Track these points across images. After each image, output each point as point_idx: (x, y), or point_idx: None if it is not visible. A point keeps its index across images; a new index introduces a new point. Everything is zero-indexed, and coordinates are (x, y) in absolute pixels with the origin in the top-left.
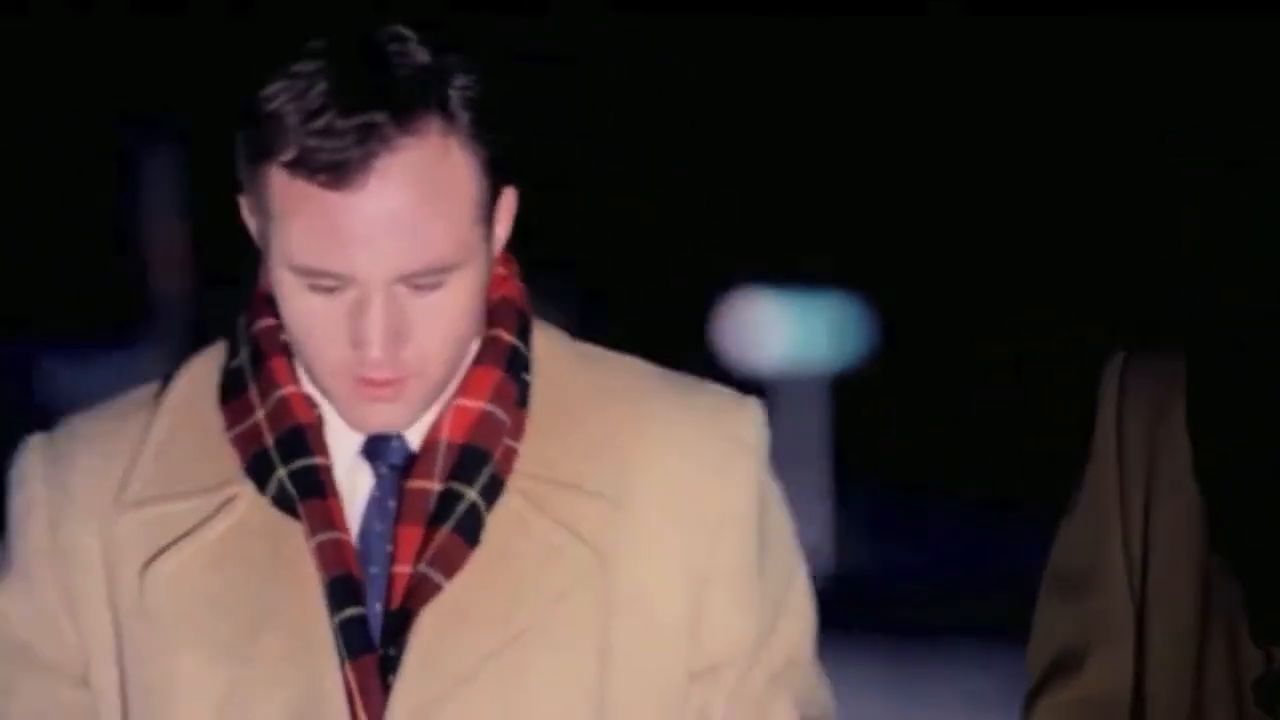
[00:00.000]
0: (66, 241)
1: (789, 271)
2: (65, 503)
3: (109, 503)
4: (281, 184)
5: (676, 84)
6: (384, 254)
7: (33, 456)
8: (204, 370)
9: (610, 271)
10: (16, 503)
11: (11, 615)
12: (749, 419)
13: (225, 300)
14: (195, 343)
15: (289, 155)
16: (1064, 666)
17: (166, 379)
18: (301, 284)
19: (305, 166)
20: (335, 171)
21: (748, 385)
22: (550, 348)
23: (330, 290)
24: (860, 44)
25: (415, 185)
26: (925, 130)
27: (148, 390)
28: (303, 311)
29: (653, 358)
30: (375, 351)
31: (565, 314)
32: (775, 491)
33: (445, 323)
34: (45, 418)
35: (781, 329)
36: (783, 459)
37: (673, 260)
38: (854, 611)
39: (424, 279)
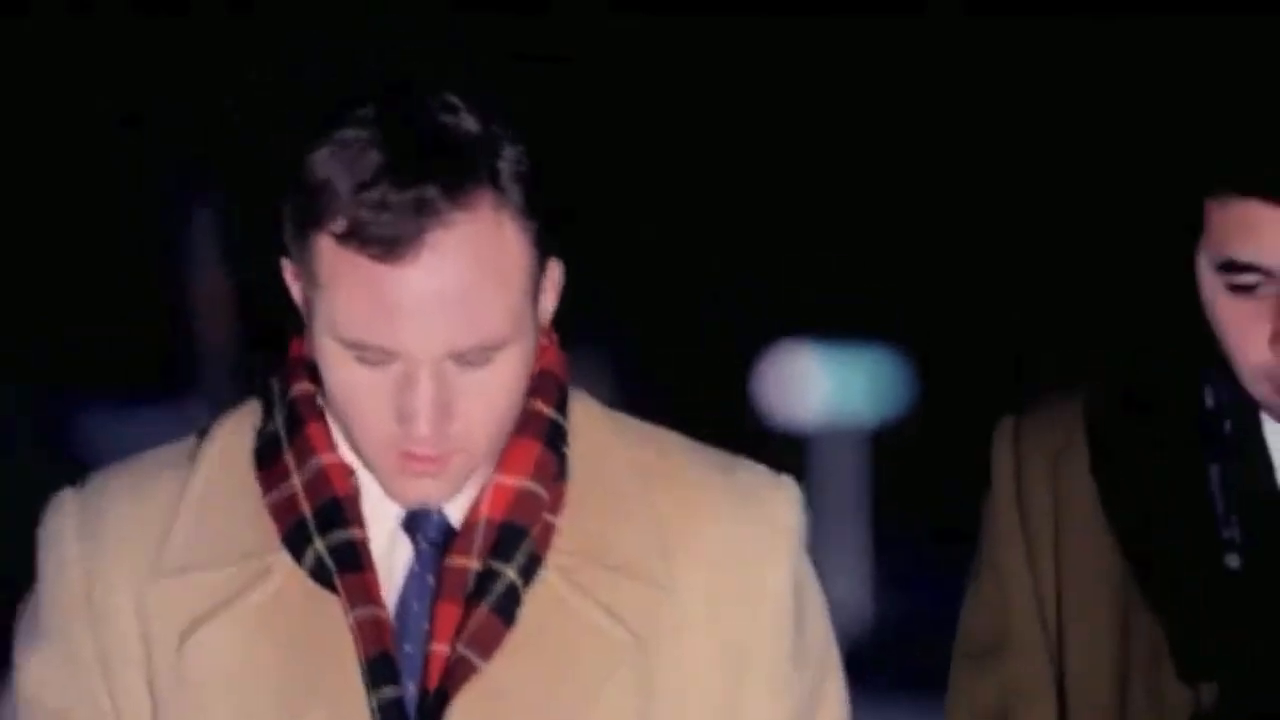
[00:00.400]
0: (109, 292)
1: (829, 324)
2: (98, 562)
3: (144, 565)
4: (330, 253)
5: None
6: (434, 330)
7: (64, 512)
8: (238, 431)
9: (647, 326)
10: (49, 561)
11: (47, 681)
12: (787, 500)
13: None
14: (239, 397)
15: (340, 226)
16: None
17: (200, 436)
18: (347, 355)
19: (357, 238)
20: (388, 245)
21: (788, 438)
22: (588, 419)
23: (377, 363)
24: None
25: (467, 261)
26: (961, 161)
27: (178, 449)
28: (347, 383)
29: (691, 412)
30: (422, 427)
31: (601, 372)
32: (812, 576)
33: (492, 399)
34: (83, 471)
35: (821, 382)
36: (822, 512)
37: (711, 313)
38: (892, 664)
39: (474, 355)
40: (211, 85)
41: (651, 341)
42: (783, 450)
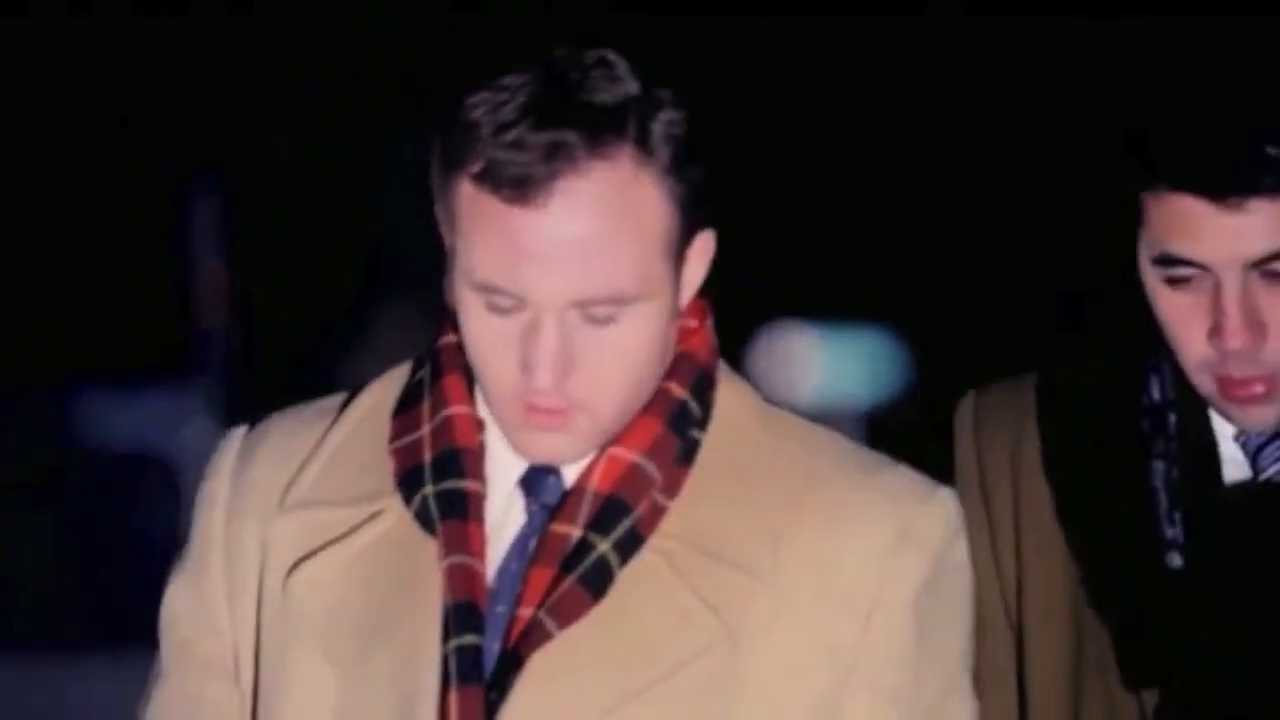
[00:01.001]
0: (108, 278)
1: (824, 305)
2: (240, 499)
3: (275, 503)
4: (469, 197)
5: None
6: (560, 277)
7: (228, 450)
8: (391, 380)
9: None
10: (203, 492)
11: (181, 609)
12: (931, 513)
13: (265, 339)
14: (236, 381)
15: (477, 167)
16: None
17: (359, 388)
18: (479, 301)
19: (490, 179)
20: (519, 187)
21: None
22: (737, 408)
23: (506, 310)
24: (863, 53)
25: (600, 211)
26: (962, 161)
27: (339, 397)
28: (479, 330)
29: None
30: (543, 376)
31: None
32: (953, 595)
33: (617, 358)
34: (81, 455)
35: (817, 363)
36: None
37: (706, 294)
38: None
39: (600, 309)
40: (212, 85)
41: None
42: None
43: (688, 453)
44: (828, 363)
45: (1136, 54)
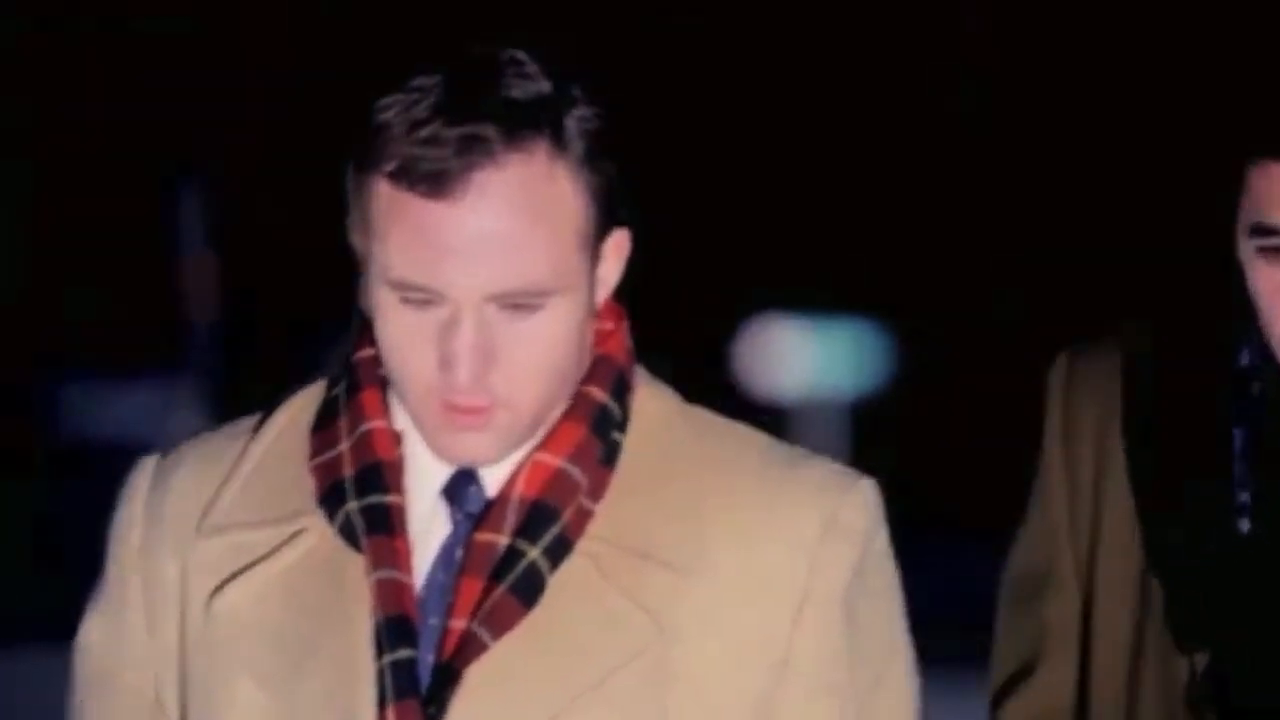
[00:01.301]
0: (98, 274)
1: (809, 297)
2: (155, 528)
3: (192, 529)
4: (384, 196)
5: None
6: (477, 270)
7: (141, 475)
8: (307, 398)
9: (629, 299)
10: (118, 522)
11: (98, 639)
12: (855, 502)
13: (253, 332)
14: (223, 374)
15: (391, 165)
16: (1017, 677)
17: (273, 406)
18: (395, 299)
19: (406, 176)
20: (435, 181)
21: (768, 411)
22: (656, 409)
23: (423, 305)
24: (874, 62)
25: (515, 203)
26: (946, 152)
27: (255, 418)
28: (396, 330)
29: (674, 385)
30: (463, 373)
31: None
32: (882, 582)
33: (536, 352)
34: (72, 449)
35: (802, 355)
36: None
37: (692, 287)
38: None
39: (517, 300)
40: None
41: (633, 316)
42: (763, 423)
43: (610, 455)
44: (813, 354)
45: (1241, 19)
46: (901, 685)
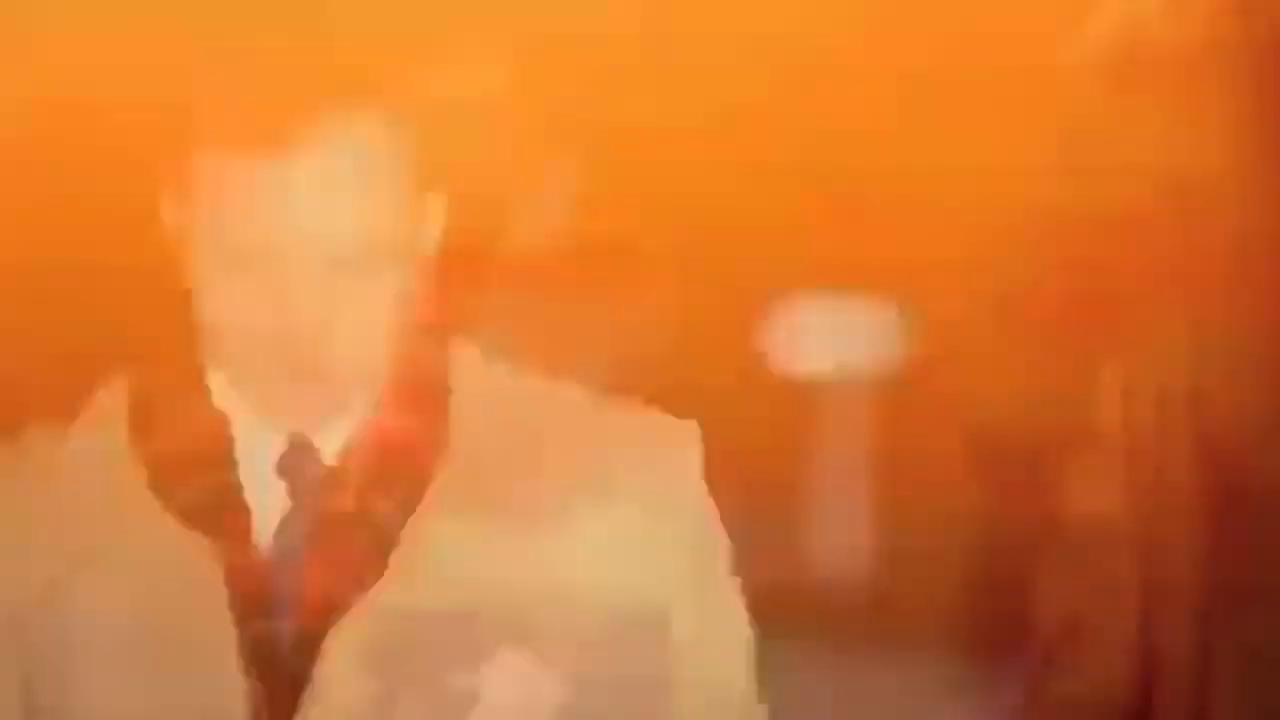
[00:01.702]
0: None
1: (831, 277)
2: None
3: (23, 534)
4: (210, 164)
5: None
6: (308, 231)
7: None
8: (125, 390)
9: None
10: None
11: None
12: (691, 438)
13: None
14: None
15: (218, 132)
16: None
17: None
18: (220, 263)
19: (234, 140)
20: (265, 143)
21: (789, 391)
22: (473, 368)
23: (249, 269)
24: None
25: (345, 164)
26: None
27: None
28: (222, 298)
29: (693, 362)
30: (294, 336)
31: None
32: (712, 513)
33: (364, 316)
34: None
35: (824, 335)
36: (826, 464)
37: (714, 266)
38: (898, 619)
39: (346, 263)
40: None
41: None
42: (786, 401)
43: (445, 413)
44: (835, 334)
45: None
46: (741, 611)
